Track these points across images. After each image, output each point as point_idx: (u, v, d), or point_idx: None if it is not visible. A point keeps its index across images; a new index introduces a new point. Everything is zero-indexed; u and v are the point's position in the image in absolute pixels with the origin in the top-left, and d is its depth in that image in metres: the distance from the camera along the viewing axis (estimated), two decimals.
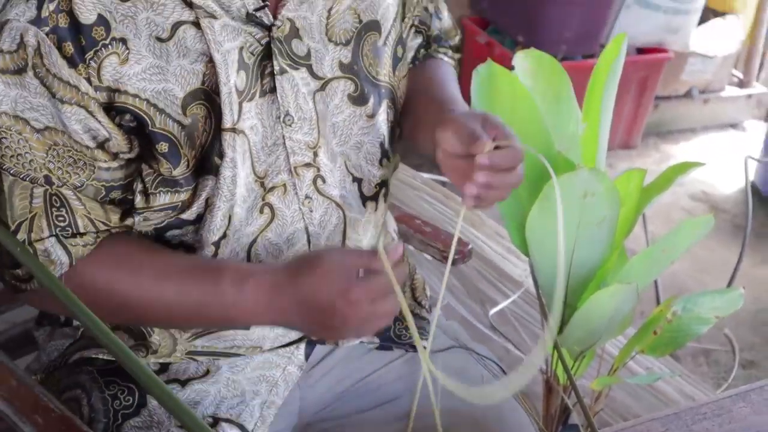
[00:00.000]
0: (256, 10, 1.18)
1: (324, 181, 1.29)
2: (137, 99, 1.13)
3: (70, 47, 1.09)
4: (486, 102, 1.44)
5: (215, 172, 1.19)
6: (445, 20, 1.53)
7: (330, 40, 1.26)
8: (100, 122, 1.13)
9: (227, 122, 1.17)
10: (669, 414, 1.24)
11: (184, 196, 1.20)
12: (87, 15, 1.09)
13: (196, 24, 1.14)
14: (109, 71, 1.11)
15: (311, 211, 1.29)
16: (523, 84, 1.48)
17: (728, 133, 4.33)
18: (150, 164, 1.18)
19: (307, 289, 1.11)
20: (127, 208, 1.21)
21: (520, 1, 3.54)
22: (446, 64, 1.53)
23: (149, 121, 1.14)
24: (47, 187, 1.13)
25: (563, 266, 1.28)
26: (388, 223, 1.49)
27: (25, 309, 1.60)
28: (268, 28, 1.20)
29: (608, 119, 1.55)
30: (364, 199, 1.35)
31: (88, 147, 1.13)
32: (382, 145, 1.35)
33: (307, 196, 1.28)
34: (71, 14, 1.09)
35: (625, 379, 1.58)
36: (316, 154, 1.27)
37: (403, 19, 1.38)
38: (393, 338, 1.45)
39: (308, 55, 1.24)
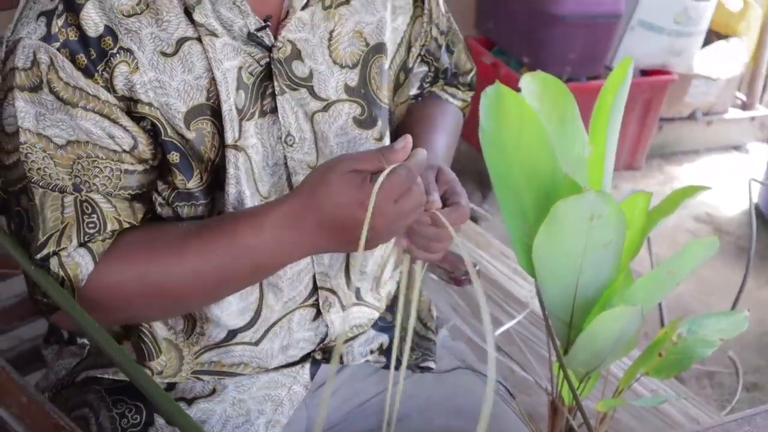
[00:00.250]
0: (258, 30, 1.19)
1: None
2: (151, 107, 1.14)
3: (83, 58, 1.11)
4: (494, 123, 1.45)
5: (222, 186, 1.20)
6: (457, 57, 1.52)
7: (335, 62, 1.27)
8: (124, 127, 1.14)
9: (229, 139, 1.18)
10: None
11: (201, 210, 1.21)
12: (94, 28, 1.11)
13: (201, 40, 1.16)
14: (121, 80, 1.12)
15: None
16: (530, 106, 1.49)
17: (731, 155, 4.34)
18: (165, 178, 1.19)
19: (326, 210, 1.09)
20: (151, 208, 1.21)
21: (526, 22, 3.56)
22: (448, 107, 1.52)
23: (162, 130, 1.15)
24: (77, 194, 1.13)
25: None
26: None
27: (33, 326, 1.61)
28: (269, 49, 1.21)
29: (614, 142, 1.56)
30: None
31: (115, 151, 1.14)
32: None
33: None
34: (79, 28, 1.11)
35: (631, 402, 1.58)
36: None
37: (409, 48, 1.38)
38: (399, 358, 1.45)
39: (310, 76, 1.24)
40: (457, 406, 1.41)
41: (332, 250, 1.21)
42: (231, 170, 1.19)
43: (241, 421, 1.33)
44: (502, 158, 1.49)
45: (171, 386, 1.31)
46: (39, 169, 1.12)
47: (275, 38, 1.21)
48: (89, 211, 1.13)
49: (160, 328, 1.29)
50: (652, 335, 1.74)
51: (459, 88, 1.55)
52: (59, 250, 1.12)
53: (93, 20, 1.11)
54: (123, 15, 1.12)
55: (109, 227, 1.14)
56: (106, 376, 1.31)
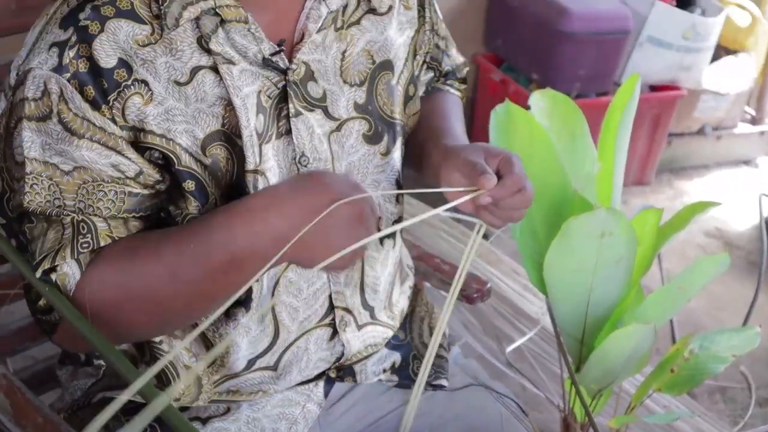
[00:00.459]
0: (272, 54, 1.20)
1: None
2: (163, 139, 1.15)
3: (91, 90, 1.11)
4: (504, 141, 1.46)
5: None
6: (454, 56, 1.56)
7: (345, 81, 1.27)
8: (130, 159, 1.14)
9: (250, 164, 1.19)
10: None
11: None
12: (107, 60, 1.11)
13: (214, 69, 1.16)
14: (133, 111, 1.13)
15: None
16: (540, 123, 1.50)
17: (741, 170, 4.33)
18: (178, 204, 1.19)
19: (290, 192, 1.11)
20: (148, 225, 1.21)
21: (535, 39, 3.57)
22: (451, 96, 1.56)
23: (175, 160, 1.16)
24: (75, 215, 1.13)
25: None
26: (403, 257, 1.50)
27: (47, 346, 1.61)
28: (284, 72, 1.22)
29: (623, 158, 1.57)
30: (382, 237, 1.37)
31: (120, 177, 1.14)
32: (397, 181, 1.37)
33: None
34: (90, 59, 1.11)
35: (643, 418, 1.59)
36: None
37: (414, 57, 1.39)
38: (412, 376, 1.46)
39: (324, 97, 1.25)
40: (469, 424, 1.41)
41: (304, 255, 1.13)
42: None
43: None
44: None
45: (185, 407, 1.32)
46: (45, 198, 1.13)
47: (290, 61, 1.22)
48: (84, 231, 1.13)
49: (182, 356, 1.29)
50: (664, 351, 1.75)
51: (456, 82, 1.58)
52: (54, 267, 1.13)
53: (106, 52, 1.11)
54: (138, 45, 1.13)
55: (102, 243, 1.14)
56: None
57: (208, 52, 1.16)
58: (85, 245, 1.13)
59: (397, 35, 1.34)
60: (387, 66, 1.32)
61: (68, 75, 1.11)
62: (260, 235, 1.10)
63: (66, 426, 1.13)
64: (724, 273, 1.53)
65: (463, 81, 1.60)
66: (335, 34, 1.26)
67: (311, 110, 1.24)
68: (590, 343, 1.50)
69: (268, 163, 1.21)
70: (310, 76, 1.24)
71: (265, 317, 1.27)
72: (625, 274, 1.42)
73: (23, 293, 1.20)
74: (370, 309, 1.38)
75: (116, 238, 1.15)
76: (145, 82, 1.13)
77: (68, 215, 1.13)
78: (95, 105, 1.12)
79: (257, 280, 1.21)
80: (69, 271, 1.13)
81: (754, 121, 4.41)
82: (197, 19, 1.15)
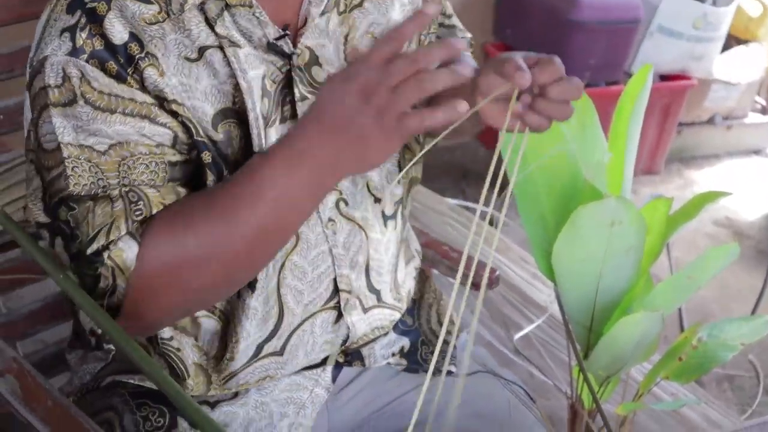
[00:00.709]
0: (277, 39, 1.20)
1: (347, 203, 1.31)
2: (182, 107, 1.15)
3: (113, 65, 1.12)
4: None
5: None
6: (463, 33, 1.52)
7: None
8: (164, 124, 1.14)
9: (256, 146, 1.20)
10: None
11: None
12: (119, 36, 1.12)
13: (222, 48, 1.17)
14: (150, 83, 1.13)
15: (335, 234, 1.30)
16: None
17: (751, 160, 4.33)
18: (201, 178, 1.19)
19: (322, 108, 1.07)
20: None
21: (544, 28, 3.56)
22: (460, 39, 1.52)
23: (194, 130, 1.16)
24: (123, 187, 1.13)
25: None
26: (411, 241, 1.51)
27: (57, 329, 1.63)
28: (289, 57, 1.22)
29: (634, 148, 1.56)
30: (385, 219, 1.37)
31: (158, 145, 1.14)
32: (399, 162, 1.37)
33: (330, 219, 1.29)
34: (104, 36, 1.11)
35: (651, 406, 1.59)
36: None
37: (419, 40, 1.39)
38: (420, 361, 1.46)
39: None
40: (477, 410, 1.42)
41: (350, 163, 1.09)
42: None
43: (264, 423, 1.34)
44: (522, 164, 1.50)
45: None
46: (87, 180, 1.12)
47: (294, 46, 1.22)
48: (135, 199, 1.12)
49: (191, 353, 1.30)
50: (672, 339, 1.75)
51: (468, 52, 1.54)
52: (108, 243, 1.11)
53: (116, 28, 1.12)
54: (146, 23, 1.13)
55: (154, 211, 1.13)
56: (131, 380, 1.32)
57: (217, 34, 1.16)
58: (137, 213, 1.12)
59: (399, 16, 1.34)
60: None
61: (85, 56, 1.11)
62: (301, 171, 1.08)
63: (75, 409, 1.14)
64: (734, 262, 1.53)
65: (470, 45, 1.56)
66: (338, 18, 1.26)
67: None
68: (598, 331, 1.51)
69: None
70: (314, 60, 1.24)
71: (270, 299, 1.28)
72: (634, 262, 1.42)
73: (40, 278, 1.20)
74: (376, 292, 1.39)
75: (166, 204, 1.14)
76: (155, 56, 1.14)
77: (115, 189, 1.12)
78: (120, 78, 1.12)
79: None
80: (125, 247, 1.12)
81: (764, 110, 4.40)
82: (202, 3, 1.16)
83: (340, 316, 1.36)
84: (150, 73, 1.13)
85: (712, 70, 3.97)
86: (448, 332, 1.51)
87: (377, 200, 1.34)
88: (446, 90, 1.04)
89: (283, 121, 1.22)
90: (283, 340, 1.32)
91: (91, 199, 1.12)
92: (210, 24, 1.16)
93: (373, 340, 1.42)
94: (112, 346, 1.37)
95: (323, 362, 1.38)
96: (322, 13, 1.24)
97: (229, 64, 1.17)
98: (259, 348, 1.31)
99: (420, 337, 1.48)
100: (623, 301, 1.49)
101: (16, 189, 1.81)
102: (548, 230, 1.49)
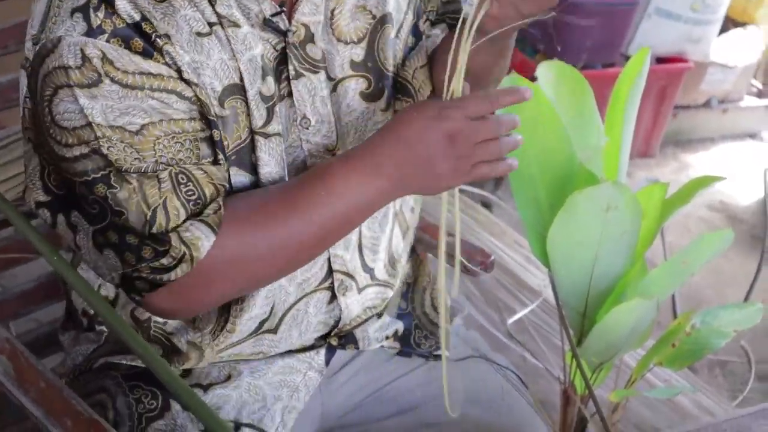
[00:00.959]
0: (273, 15, 1.19)
1: None
2: (197, 87, 1.15)
3: (138, 42, 1.11)
4: (509, 112, 1.46)
5: (252, 170, 1.21)
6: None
7: (339, 40, 1.27)
8: (189, 99, 1.14)
9: (259, 124, 1.20)
10: (690, 430, 1.24)
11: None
12: (132, 15, 1.11)
13: (223, 27, 1.16)
14: (170, 59, 1.13)
15: None
16: (546, 95, 1.50)
17: (747, 143, 4.32)
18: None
19: (412, 144, 1.13)
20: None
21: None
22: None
23: (207, 108, 1.16)
24: (170, 168, 1.13)
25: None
26: (406, 214, 1.49)
27: (50, 309, 1.63)
28: (284, 34, 1.21)
29: (630, 132, 1.57)
30: None
31: (190, 120, 1.14)
32: None
33: None
34: (120, 16, 1.10)
35: (644, 393, 1.59)
36: (334, 156, 1.28)
37: (425, 12, 1.37)
38: (413, 345, 1.46)
39: (324, 58, 1.25)
40: (470, 395, 1.42)
41: (416, 187, 1.20)
42: (263, 155, 1.20)
43: (258, 407, 1.33)
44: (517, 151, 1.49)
45: (187, 372, 1.32)
46: (125, 158, 1.12)
47: (290, 23, 1.22)
48: (185, 181, 1.13)
49: (182, 332, 1.30)
50: (665, 324, 1.75)
51: None
52: (176, 227, 1.13)
53: (126, 9, 1.11)
54: (156, 1, 1.13)
55: (207, 193, 1.14)
56: (124, 362, 1.32)
57: (217, 14, 1.16)
58: (189, 193, 1.13)
59: None
60: (387, 19, 1.31)
61: (105, 35, 1.10)
62: (373, 188, 1.16)
63: (68, 390, 1.14)
64: (727, 247, 1.54)
65: None
66: None
67: (315, 72, 1.24)
68: (592, 317, 1.51)
69: (276, 126, 1.21)
70: (309, 38, 1.23)
71: None
72: (629, 247, 1.43)
73: (33, 257, 1.19)
74: (370, 271, 1.38)
75: (219, 186, 1.16)
76: (168, 36, 1.13)
77: (164, 170, 1.13)
78: (147, 54, 1.11)
79: None
80: (202, 236, 1.13)
81: (760, 94, 4.40)
82: None
83: (334, 296, 1.35)
84: (168, 50, 1.12)
85: (710, 53, 3.96)
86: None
87: None
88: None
89: (280, 99, 1.22)
90: (277, 318, 1.32)
91: (136, 178, 1.12)
92: (211, 2, 1.15)
93: (366, 321, 1.41)
94: (104, 328, 1.36)
95: (317, 344, 1.38)
96: None
97: (230, 43, 1.17)
98: (261, 324, 1.30)
99: (413, 321, 1.48)
100: (618, 287, 1.49)
101: (12, 167, 1.80)
102: (543, 213, 1.49)
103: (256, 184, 1.22)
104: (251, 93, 1.18)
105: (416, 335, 1.47)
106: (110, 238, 1.14)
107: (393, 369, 1.44)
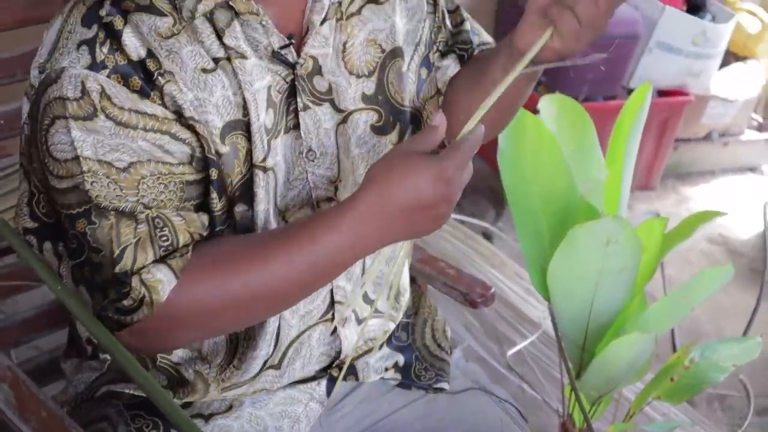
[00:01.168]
0: (282, 48, 1.20)
1: None
2: (198, 124, 1.15)
3: (137, 80, 1.11)
4: (513, 145, 1.47)
5: (251, 203, 1.21)
6: (482, 34, 1.50)
7: (351, 73, 1.28)
8: (183, 140, 1.14)
9: (259, 158, 1.19)
10: None
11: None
12: (136, 52, 1.11)
13: (230, 60, 1.17)
14: (169, 99, 1.13)
15: None
16: (548, 128, 1.51)
17: (747, 177, 4.33)
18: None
19: (403, 194, 1.10)
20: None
21: None
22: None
23: (206, 146, 1.16)
24: (148, 211, 1.13)
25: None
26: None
27: (52, 337, 1.62)
28: (293, 66, 1.22)
29: (631, 166, 1.58)
30: None
31: (177, 164, 1.14)
32: None
33: None
34: (123, 52, 1.11)
35: (643, 427, 1.59)
36: (336, 188, 1.28)
37: (434, 44, 1.39)
38: (413, 378, 1.46)
39: (330, 90, 1.25)
40: (469, 428, 1.42)
41: (413, 234, 1.17)
42: (260, 190, 1.20)
43: None
44: (519, 180, 1.50)
45: (188, 403, 1.32)
46: (106, 195, 1.12)
47: (298, 55, 1.23)
48: (161, 225, 1.13)
49: (190, 363, 1.30)
50: (664, 357, 1.75)
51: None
52: (140, 269, 1.12)
53: (134, 44, 1.11)
54: (162, 37, 1.13)
55: (182, 240, 1.14)
56: (126, 390, 1.32)
57: (225, 46, 1.16)
58: (164, 239, 1.13)
59: (403, 21, 1.33)
60: (397, 53, 1.32)
61: (107, 71, 1.10)
62: (368, 241, 1.14)
63: (69, 420, 1.14)
64: None
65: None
66: (336, 25, 1.26)
67: (319, 104, 1.24)
68: (592, 350, 1.51)
69: (276, 158, 1.21)
70: (317, 70, 1.24)
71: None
72: (628, 282, 1.43)
73: (35, 285, 1.19)
74: (370, 302, 1.39)
75: (195, 234, 1.15)
76: (172, 73, 1.13)
77: (143, 212, 1.12)
78: (144, 93, 1.12)
79: None
80: (163, 278, 1.12)
81: (761, 128, 4.41)
82: (211, 13, 1.16)
83: (336, 328, 1.36)
84: (170, 89, 1.13)
85: (710, 87, 3.97)
86: (442, 348, 1.52)
87: None
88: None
89: (287, 131, 1.22)
90: (281, 353, 1.32)
91: (114, 216, 1.12)
92: (219, 35, 1.16)
93: (367, 353, 1.42)
94: (107, 356, 1.36)
95: (319, 375, 1.38)
96: (323, 21, 1.24)
97: (237, 76, 1.17)
98: (264, 364, 1.31)
99: (414, 353, 1.48)
100: (617, 320, 1.50)
101: (15, 195, 1.80)
102: (544, 246, 1.49)
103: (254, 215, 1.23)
104: (255, 126, 1.18)
105: (416, 367, 1.47)
106: (85, 274, 1.14)
107: (393, 400, 1.44)
